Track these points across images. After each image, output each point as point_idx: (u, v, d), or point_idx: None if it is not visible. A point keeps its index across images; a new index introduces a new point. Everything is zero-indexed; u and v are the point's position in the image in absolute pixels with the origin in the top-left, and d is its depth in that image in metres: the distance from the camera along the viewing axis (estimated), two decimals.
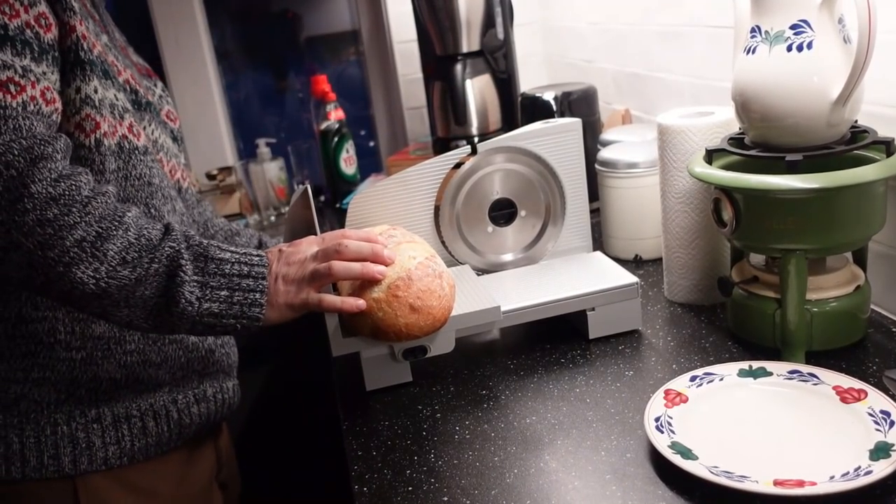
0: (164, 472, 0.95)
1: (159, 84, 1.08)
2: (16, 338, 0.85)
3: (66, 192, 0.73)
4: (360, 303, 0.87)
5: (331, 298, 0.85)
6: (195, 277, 0.78)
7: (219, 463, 1.07)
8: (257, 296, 0.81)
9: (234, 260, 0.81)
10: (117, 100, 0.88)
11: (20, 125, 0.73)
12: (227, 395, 1.01)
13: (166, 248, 0.78)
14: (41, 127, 0.75)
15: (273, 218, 2.01)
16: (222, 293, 0.80)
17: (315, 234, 0.93)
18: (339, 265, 0.84)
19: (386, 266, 0.88)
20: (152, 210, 0.91)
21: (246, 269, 0.81)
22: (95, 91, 0.84)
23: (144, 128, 0.94)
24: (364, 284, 0.88)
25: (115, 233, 0.75)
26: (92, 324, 0.87)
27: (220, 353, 1.00)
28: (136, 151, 0.89)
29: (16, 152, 0.71)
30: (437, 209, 1.09)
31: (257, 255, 0.83)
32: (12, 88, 0.74)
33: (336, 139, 1.96)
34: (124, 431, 0.90)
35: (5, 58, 0.74)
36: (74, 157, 0.83)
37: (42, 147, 0.73)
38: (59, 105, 0.80)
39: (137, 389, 0.91)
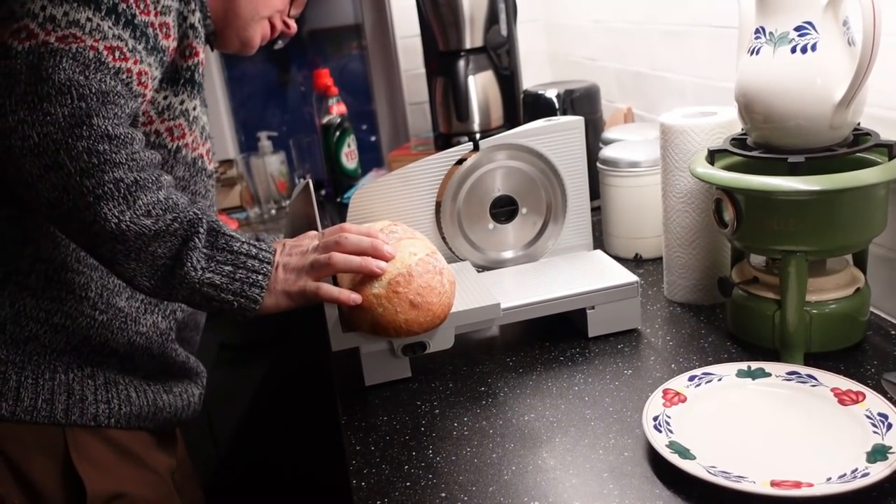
0: (138, 442, 0.97)
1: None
2: (52, 281, 0.88)
3: (122, 136, 0.77)
4: (356, 297, 0.87)
5: (328, 288, 0.86)
6: (205, 249, 0.81)
7: (177, 462, 1.07)
8: (259, 277, 0.83)
9: (243, 240, 0.84)
10: (204, 119, 0.96)
11: (105, 78, 0.77)
12: (192, 399, 1.04)
13: (189, 213, 0.81)
14: (123, 90, 0.79)
15: (274, 211, 2.01)
16: (227, 267, 0.82)
17: (316, 228, 0.93)
18: (338, 256, 0.85)
19: (386, 261, 0.88)
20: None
21: (254, 250, 0.84)
22: (195, 108, 0.93)
23: (209, 137, 1.00)
24: (364, 280, 0.89)
25: (150, 186, 0.78)
26: (117, 296, 0.91)
27: (192, 363, 1.04)
28: (204, 173, 0.96)
29: (93, 90, 0.75)
30: (438, 205, 1.09)
31: (265, 243, 0.86)
32: (116, 54, 0.78)
33: (338, 133, 1.96)
34: (113, 394, 0.92)
35: (122, 34, 0.79)
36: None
37: (115, 97, 0.77)
38: (148, 93, 0.84)
39: (125, 365, 0.94)
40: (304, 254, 0.86)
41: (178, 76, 0.91)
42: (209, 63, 2.22)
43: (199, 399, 1.06)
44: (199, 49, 0.91)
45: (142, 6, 0.82)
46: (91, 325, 0.90)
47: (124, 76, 0.79)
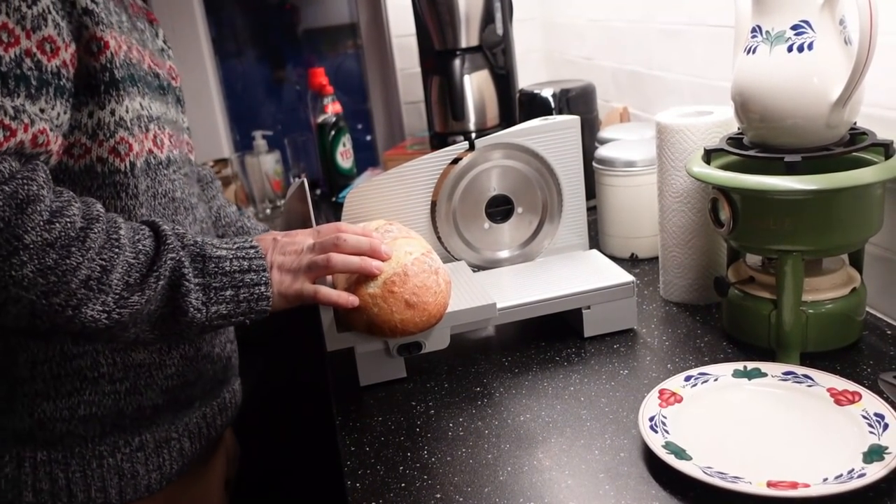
0: (189, 486, 0.95)
1: (160, 32, 1.02)
2: (60, 377, 0.82)
3: (62, 233, 0.68)
4: (353, 299, 0.86)
5: (327, 290, 0.85)
6: (197, 281, 0.76)
7: (228, 461, 1.06)
8: (262, 289, 0.80)
9: (231, 256, 0.79)
10: (142, 107, 0.83)
11: (1, 170, 0.66)
12: (237, 396, 1.01)
13: (167, 261, 0.74)
14: (16, 164, 0.68)
15: (269, 211, 2.01)
16: (227, 293, 0.78)
17: (311, 227, 0.92)
18: (338, 258, 0.84)
19: (383, 261, 0.88)
20: (177, 227, 0.85)
21: (245, 263, 0.80)
22: (128, 111, 0.79)
23: (167, 122, 0.90)
24: (360, 279, 0.88)
25: (116, 260, 0.71)
26: (132, 353, 0.85)
27: (234, 357, 1.00)
28: (161, 166, 0.85)
29: (0, 203, 0.65)
30: (433, 205, 1.09)
31: (252, 247, 0.82)
32: (0, 134, 0.66)
33: (333, 132, 1.96)
34: (165, 456, 0.89)
35: None
36: (110, 183, 0.80)
37: (26, 187, 0.66)
38: (53, 147, 0.73)
39: (175, 410, 0.90)
40: (300, 253, 0.84)
41: (95, 82, 0.76)
42: (203, 62, 2.21)
43: (240, 387, 1.03)
44: (108, 36, 0.76)
45: (4, 38, 0.67)
46: (118, 399, 0.85)
47: (18, 149, 0.67)
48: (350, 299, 0.86)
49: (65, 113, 0.74)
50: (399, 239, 0.93)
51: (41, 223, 0.67)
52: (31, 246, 0.66)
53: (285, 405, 1.71)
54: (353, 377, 0.97)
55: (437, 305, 0.90)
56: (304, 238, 0.86)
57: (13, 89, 0.67)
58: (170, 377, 0.89)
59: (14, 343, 0.81)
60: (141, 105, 0.82)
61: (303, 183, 1.01)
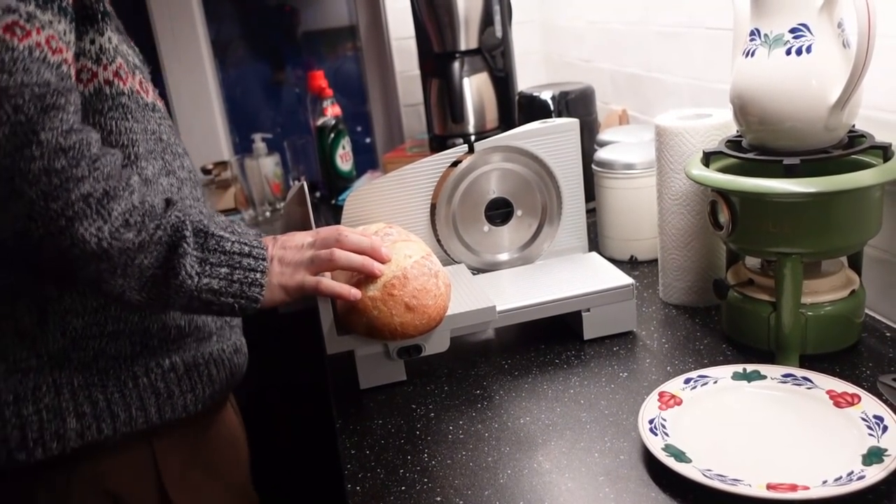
0: (223, 418, 0.99)
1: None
2: (86, 293, 0.84)
3: (77, 146, 0.71)
4: (356, 292, 0.86)
5: (328, 282, 0.85)
6: (195, 252, 0.77)
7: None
8: (258, 275, 0.81)
9: (233, 239, 0.81)
10: (129, 55, 0.86)
11: (30, 68, 0.69)
12: (245, 350, 1.02)
13: (171, 217, 0.76)
14: (52, 77, 0.71)
15: (268, 213, 2.01)
16: (222, 270, 0.79)
17: (310, 229, 0.92)
18: (341, 253, 0.85)
19: (384, 263, 0.88)
20: (167, 166, 0.89)
21: (246, 248, 0.81)
22: (120, 43, 0.84)
23: (145, 74, 0.92)
24: (359, 282, 0.88)
25: (121, 193, 0.73)
26: None
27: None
28: (147, 108, 0.87)
29: (27, 97, 0.68)
30: (433, 207, 1.09)
31: (255, 237, 0.83)
32: (18, 32, 0.70)
33: (332, 135, 1.96)
34: (195, 380, 0.91)
35: (9, 2, 0.70)
36: (118, 104, 0.82)
37: (55, 97, 0.70)
38: (67, 56, 0.75)
39: (199, 338, 0.92)
40: (300, 248, 0.85)
41: (92, 11, 0.80)
42: (202, 65, 2.21)
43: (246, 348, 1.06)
44: None
45: None
46: (144, 317, 0.87)
47: (37, 53, 0.70)
48: (353, 292, 0.86)
49: (70, 32, 0.76)
50: (399, 242, 0.94)
51: (60, 129, 0.70)
52: (45, 144, 0.69)
53: (285, 408, 1.71)
54: (353, 380, 0.97)
55: (436, 308, 0.90)
56: (302, 237, 0.87)
57: None
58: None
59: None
60: (127, 52, 0.86)
61: (302, 186, 1.01)
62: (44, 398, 0.83)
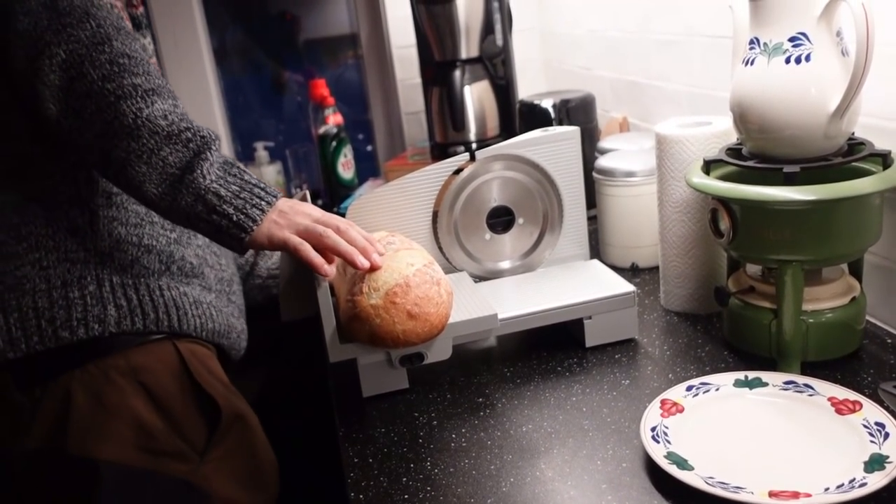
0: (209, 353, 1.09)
1: None
2: (129, 210, 1.01)
3: (139, 57, 0.89)
4: (329, 269, 0.89)
5: (308, 247, 0.88)
6: (217, 162, 0.89)
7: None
8: (262, 204, 0.88)
9: (253, 179, 0.91)
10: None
11: (111, 14, 0.90)
12: (242, 334, 1.17)
13: (203, 131, 0.89)
14: (127, 27, 0.91)
15: None
16: (234, 186, 0.88)
17: None
18: (333, 234, 0.89)
19: (373, 268, 0.90)
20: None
21: (260, 188, 0.90)
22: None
23: None
24: (361, 290, 0.89)
25: (166, 97, 0.89)
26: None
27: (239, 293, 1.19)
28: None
29: (108, 22, 0.88)
30: (435, 215, 1.09)
31: (270, 187, 0.91)
32: None
33: (334, 143, 1.97)
34: (204, 309, 1.06)
35: None
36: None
37: (126, 33, 0.90)
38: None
39: (205, 283, 1.08)
40: (304, 215, 0.90)
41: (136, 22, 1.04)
42: (204, 73, 2.22)
43: (245, 335, 1.18)
44: None
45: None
46: (169, 243, 1.03)
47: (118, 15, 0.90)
48: (326, 269, 0.89)
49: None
50: (401, 250, 0.94)
51: (128, 42, 0.91)
52: (115, 47, 0.89)
53: (288, 416, 1.71)
54: (355, 388, 0.97)
55: (439, 316, 0.90)
56: (314, 209, 0.92)
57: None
58: (199, 246, 1.09)
59: (93, 175, 0.98)
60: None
61: (305, 194, 1.02)
62: (89, 286, 0.97)
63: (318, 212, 0.92)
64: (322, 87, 1.96)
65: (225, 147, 2.32)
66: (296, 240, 0.88)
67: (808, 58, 0.83)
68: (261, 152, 2.03)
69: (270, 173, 2.02)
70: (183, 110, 0.90)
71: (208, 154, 0.88)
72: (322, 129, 1.97)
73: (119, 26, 0.89)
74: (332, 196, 2.00)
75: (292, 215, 0.89)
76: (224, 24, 2.32)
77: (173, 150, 0.87)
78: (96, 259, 0.98)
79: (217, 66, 2.30)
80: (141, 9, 1.12)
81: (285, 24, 2.36)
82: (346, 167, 1.99)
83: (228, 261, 1.20)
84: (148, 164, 0.86)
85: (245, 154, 2.32)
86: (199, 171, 0.86)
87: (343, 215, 1.08)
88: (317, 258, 0.88)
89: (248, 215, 0.87)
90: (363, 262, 0.89)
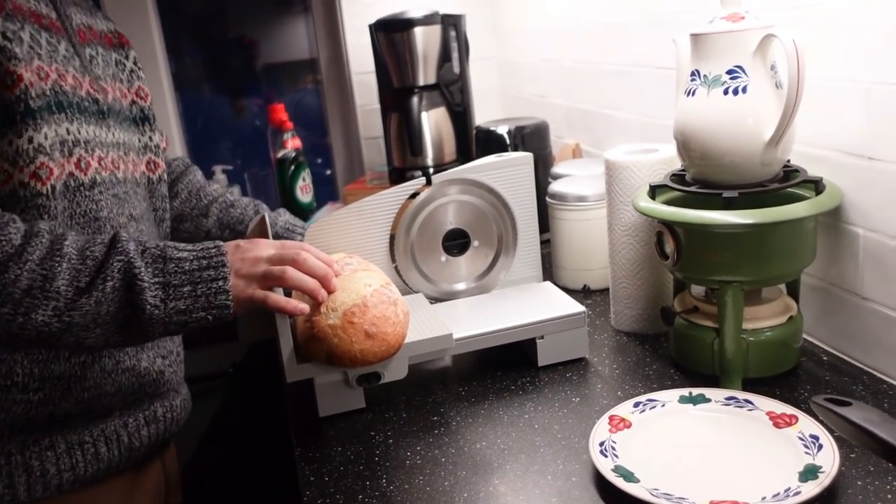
0: (112, 494, 0.95)
1: (131, 54, 1.07)
2: None
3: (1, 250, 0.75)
4: (303, 307, 0.88)
5: (276, 297, 0.86)
6: (155, 280, 0.80)
7: (167, 484, 1.06)
8: (221, 283, 0.82)
9: (192, 257, 0.83)
10: (69, 133, 0.87)
11: None
12: (175, 412, 1.02)
13: (115, 263, 0.78)
14: None
15: None
16: (185, 289, 0.81)
17: None
18: (293, 272, 0.86)
19: (330, 292, 0.90)
20: (142, 237, 0.91)
21: (205, 262, 0.83)
22: (46, 137, 0.83)
23: (100, 145, 0.92)
24: (319, 310, 0.90)
25: (59, 268, 0.76)
26: (52, 364, 0.86)
27: (169, 373, 1.00)
28: (83, 188, 0.88)
29: None
30: (392, 238, 1.12)
31: (214, 247, 0.84)
32: None
33: (293, 167, 1.98)
34: (78, 458, 0.89)
35: None
36: (32, 206, 0.83)
37: None
38: None
39: (90, 418, 0.91)
40: (257, 261, 0.86)
41: (11, 111, 0.81)
42: (163, 96, 2.22)
43: (183, 405, 1.04)
44: (22, 69, 0.81)
45: None
46: (29, 409, 0.86)
47: None
48: (301, 307, 0.87)
49: None
50: (359, 271, 0.96)
51: None
52: None
53: (245, 436, 1.70)
54: (312, 408, 0.98)
55: (395, 336, 0.92)
56: (265, 247, 0.88)
57: None
58: (87, 389, 0.89)
59: None
60: (67, 130, 0.87)
61: (264, 217, 1.03)
62: None
63: (269, 248, 0.88)
64: (281, 112, 1.97)
65: None
66: (259, 294, 0.85)
67: (744, 89, 0.88)
68: (219, 175, 2.03)
69: None
70: (79, 254, 0.78)
71: (139, 282, 0.78)
72: (281, 153, 1.98)
73: None
74: None
75: (246, 268, 0.85)
76: (183, 48, 2.33)
77: (111, 304, 0.78)
78: None
79: (175, 90, 2.30)
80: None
81: (244, 47, 2.38)
82: (304, 191, 2.00)
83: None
84: (98, 326, 0.78)
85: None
86: (148, 306, 0.78)
87: (302, 239, 1.09)
88: (287, 305, 0.86)
89: (218, 306, 0.82)
90: (324, 296, 0.89)
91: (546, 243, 1.35)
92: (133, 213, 0.96)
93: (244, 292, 0.84)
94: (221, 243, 0.86)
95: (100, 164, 0.91)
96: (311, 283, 0.88)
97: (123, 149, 0.97)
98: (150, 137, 1.05)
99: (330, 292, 0.90)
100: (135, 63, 1.07)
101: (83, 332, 0.78)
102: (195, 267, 0.82)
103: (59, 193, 0.85)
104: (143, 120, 1.05)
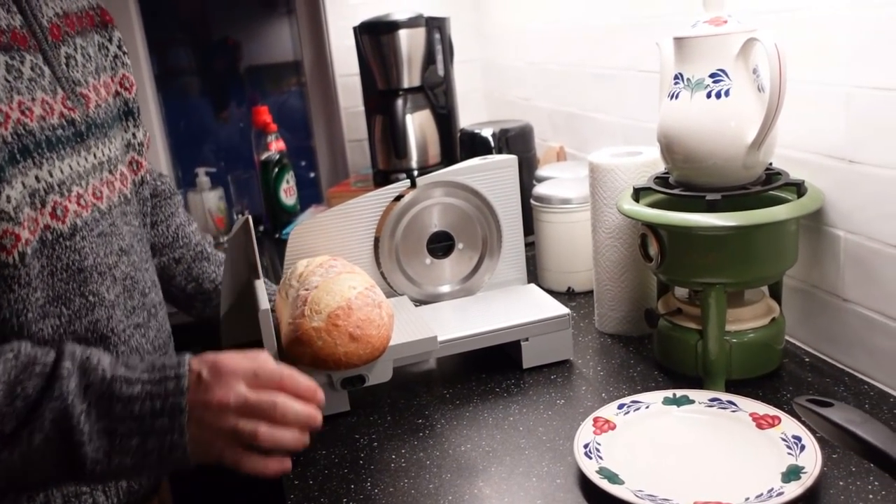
0: None
1: (115, 35, 0.96)
2: None
3: None
4: (286, 464, 0.75)
5: (252, 462, 0.72)
6: (98, 426, 0.67)
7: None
8: (175, 437, 0.68)
9: (143, 395, 0.69)
10: (38, 181, 0.75)
11: None
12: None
13: (47, 412, 0.66)
14: None
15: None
16: (133, 442, 0.68)
17: (255, 264, 0.93)
18: (267, 434, 0.71)
19: (316, 427, 0.76)
20: (90, 297, 0.80)
21: (159, 404, 0.69)
22: (9, 200, 0.71)
23: (77, 179, 0.81)
24: (303, 312, 0.90)
25: None
26: None
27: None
28: (62, 238, 0.77)
29: None
30: (376, 241, 1.11)
31: (174, 378, 0.70)
32: None
33: (276, 169, 1.97)
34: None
35: None
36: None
37: None
38: None
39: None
40: (223, 410, 0.70)
41: None
42: (146, 98, 2.21)
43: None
44: None
45: None
46: None
47: None
48: (284, 465, 0.74)
49: None
50: (343, 274, 0.96)
51: None
52: None
53: None
54: None
55: (380, 338, 0.92)
56: (236, 383, 0.71)
57: None
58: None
59: None
60: (37, 178, 0.75)
61: (247, 220, 1.02)
62: None
63: (238, 384, 0.71)
64: (265, 114, 1.97)
65: (166, 172, 2.30)
66: (230, 458, 0.71)
67: (727, 93, 0.88)
68: (202, 178, 2.02)
69: (212, 199, 2.01)
70: (17, 382, 0.66)
71: (77, 433, 0.66)
72: (264, 156, 1.97)
73: None
74: (275, 222, 2.00)
75: (212, 418, 0.70)
76: (165, 49, 2.31)
77: (44, 457, 0.66)
78: None
79: (158, 91, 2.29)
80: None
81: (227, 49, 2.37)
82: (288, 193, 2.00)
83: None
84: (30, 482, 0.69)
85: (186, 180, 2.30)
86: (88, 462, 0.66)
87: (285, 241, 1.09)
88: (267, 469, 0.73)
89: (171, 461, 0.69)
90: (306, 444, 0.75)
91: (530, 246, 1.35)
92: (122, 246, 0.87)
93: (208, 451, 0.71)
94: (184, 372, 0.71)
95: (79, 205, 0.80)
96: (290, 440, 0.73)
97: (108, 167, 0.87)
98: (134, 134, 0.95)
99: (316, 427, 0.76)
100: (119, 47, 0.96)
101: (11, 488, 0.68)
102: (147, 411, 0.68)
103: (33, 256, 0.74)
104: (126, 114, 0.94)
